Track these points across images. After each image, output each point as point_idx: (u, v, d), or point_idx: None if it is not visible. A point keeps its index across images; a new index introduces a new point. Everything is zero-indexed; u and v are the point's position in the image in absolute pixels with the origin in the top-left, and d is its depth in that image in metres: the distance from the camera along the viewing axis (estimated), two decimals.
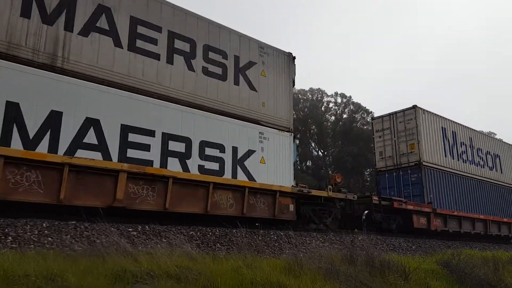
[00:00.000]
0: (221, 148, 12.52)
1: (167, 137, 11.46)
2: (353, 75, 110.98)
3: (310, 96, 57.97)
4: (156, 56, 11.77)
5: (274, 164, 13.67)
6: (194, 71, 12.40)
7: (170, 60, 11.99)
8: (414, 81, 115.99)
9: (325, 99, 57.37)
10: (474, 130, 23.37)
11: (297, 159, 14.41)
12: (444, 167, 20.26)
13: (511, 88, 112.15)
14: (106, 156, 10.43)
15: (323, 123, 54.97)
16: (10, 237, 7.42)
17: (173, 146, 11.55)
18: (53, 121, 9.64)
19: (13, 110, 9.13)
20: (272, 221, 13.57)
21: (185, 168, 11.68)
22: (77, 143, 10.07)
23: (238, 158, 12.85)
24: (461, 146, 21.86)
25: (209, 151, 12.24)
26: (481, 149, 23.31)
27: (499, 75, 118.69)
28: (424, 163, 19.13)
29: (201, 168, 11.98)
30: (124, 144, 10.75)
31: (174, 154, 11.55)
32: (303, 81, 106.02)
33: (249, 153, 13.12)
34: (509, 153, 26.02)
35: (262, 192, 13.05)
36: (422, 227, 17.73)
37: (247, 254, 8.18)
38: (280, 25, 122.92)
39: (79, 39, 10.59)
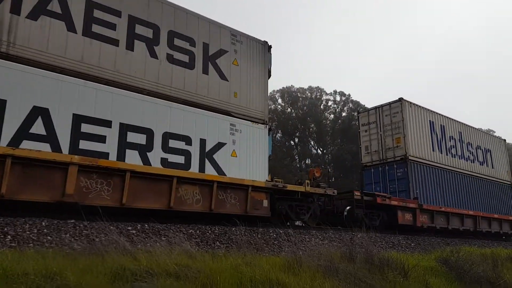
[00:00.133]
0: (187, 140, 11.46)
1: (125, 128, 10.42)
2: (353, 74, 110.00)
3: (309, 94, 57.01)
4: (115, 42, 10.73)
5: (247, 158, 12.61)
6: (158, 59, 11.36)
7: (130, 47, 10.95)
8: (414, 81, 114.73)
9: (324, 97, 56.39)
10: (464, 124, 22.17)
11: (272, 153, 13.33)
12: (432, 161, 19.10)
13: (510, 88, 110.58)
14: (56, 147, 9.42)
15: (322, 121, 54.07)
16: (9, 236, 7.24)
17: (132, 137, 10.51)
18: None
19: None
20: (244, 217, 12.47)
21: (146, 161, 10.63)
22: (23, 133, 9.06)
23: (207, 151, 11.79)
24: (450, 140, 20.68)
25: (173, 144, 11.18)
26: (471, 144, 22.11)
27: (499, 75, 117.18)
28: (410, 158, 17.98)
29: (164, 161, 10.93)
30: (76, 135, 9.73)
31: (133, 146, 10.51)
32: (301, 79, 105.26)
33: (219, 145, 12.05)
34: (500, 148, 24.80)
35: (233, 187, 11.98)
36: (408, 223, 16.60)
37: (247, 252, 8.02)
38: (281, 25, 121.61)
39: (27, 23, 9.57)
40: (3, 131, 8.81)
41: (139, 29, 11.16)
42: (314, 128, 54.26)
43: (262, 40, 13.88)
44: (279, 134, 57.21)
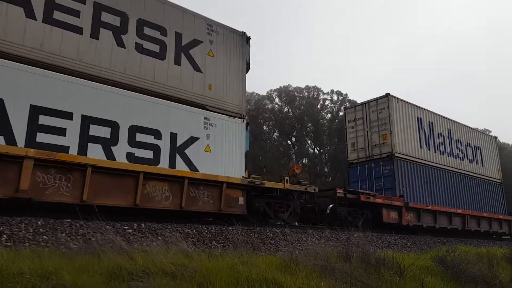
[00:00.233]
0: (157, 134, 10.75)
1: (88, 121, 9.68)
2: (352, 75, 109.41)
3: (306, 93, 56.50)
4: (78, 30, 9.99)
5: (222, 153, 11.90)
6: (125, 48, 10.63)
7: (95, 35, 10.21)
8: (414, 81, 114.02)
9: (321, 96, 55.86)
10: (453, 121, 21.45)
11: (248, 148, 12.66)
12: (419, 159, 18.40)
13: (510, 88, 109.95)
14: (10, 140, 8.73)
15: (319, 120, 53.59)
16: (5, 235, 7.09)
17: (95, 130, 9.80)
18: None
19: None
20: (218, 215, 11.78)
21: (110, 155, 9.93)
22: None
23: (178, 145, 11.08)
24: (439, 137, 19.96)
25: (141, 137, 10.47)
26: (460, 141, 21.40)
27: (499, 75, 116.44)
28: (396, 155, 17.29)
29: (130, 156, 10.22)
30: (34, 128, 9.00)
31: (97, 139, 9.80)
32: (299, 79, 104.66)
33: (192, 140, 11.34)
34: (490, 146, 24.09)
35: (206, 184, 11.29)
36: (393, 221, 15.92)
37: (243, 252, 7.96)
38: (280, 25, 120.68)
39: None
40: None
41: (106, 17, 10.43)
42: (311, 128, 53.82)
43: (240, 31, 13.12)
44: (276, 134, 56.77)
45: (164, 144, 10.80)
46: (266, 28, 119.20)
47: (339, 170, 48.18)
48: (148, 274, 5.63)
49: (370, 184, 17.78)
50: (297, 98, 55.62)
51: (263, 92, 58.15)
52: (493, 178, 23.38)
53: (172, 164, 10.87)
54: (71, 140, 9.40)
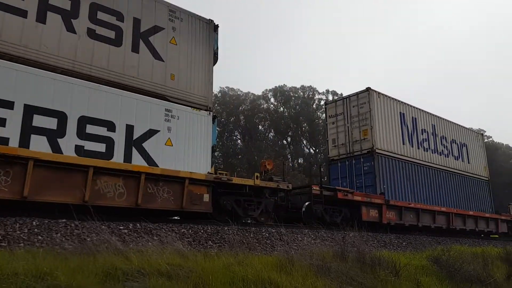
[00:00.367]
0: (110, 126, 9.88)
1: (31, 110, 8.77)
2: (351, 75, 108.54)
3: (301, 93, 55.99)
4: (22, 13, 9.13)
5: (185, 147, 11.03)
6: (76, 33, 9.73)
7: (41, 19, 9.33)
8: (414, 80, 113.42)
9: (317, 96, 55.40)
10: (438, 116, 20.64)
11: (215, 142, 11.79)
12: (402, 155, 17.58)
13: (506, 89, 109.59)
14: None
15: (314, 120, 53.06)
16: None
17: (40, 121, 8.92)
18: None
19: None
20: (180, 213, 10.88)
21: (56, 148, 9.04)
22: None
23: (135, 138, 10.21)
24: (422, 134, 19.15)
25: (92, 129, 9.60)
26: (445, 137, 20.58)
27: (499, 75, 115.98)
28: (377, 151, 16.46)
29: (79, 150, 9.35)
30: None
31: (41, 131, 8.94)
32: (293, 79, 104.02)
33: (150, 133, 10.46)
34: (477, 142, 23.30)
35: (166, 180, 10.43)
36: (373, 220, 15.09)
37: (239, 252, 7.81)
38: (279, 24, 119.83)
39: None
40: None
41: (54, 0, 9.50)
42: (306, 128, 53.48)
43: (208, 18, 12.24)
44: (271, 133, 56.17)
45: (119, 137, 9.93)
46: (261, 27, 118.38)
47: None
48: (144, 274, 5.53)
49: (350, 182, 16.94)
50: (293, 98, 55.31)
51: (258, 92, 57.60)
52: (480, 175, 22.59)
53: (127, 158, 9.99)
54: (12, 131, 8.52)
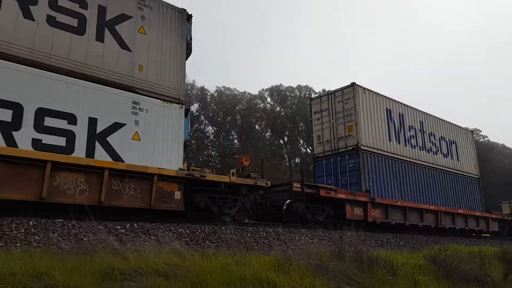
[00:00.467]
0: (71, 118, 9.24)
1: None
2: (351, 74, 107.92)
3: (298, 93, 55.60)
4: None
5: (155, 142, 10.42)
6: (34, 20, 9.07)
7: None
8: (414, 81, 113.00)
9: (313, 96, 54.56)
10: (426, 113, 20.08)
11: (190, 137, 11.20)
12: (388, 152, 17.00)
13: (509, 88, 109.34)
14: None
15: (311, 120, 52.16)
16: None
17: None
18: None
19: None
20: (149, 211, 10.20)
21: (11, 142, 8.38)
22: None
23: (98, 132, 9.57)
24: (410, 130, 18.56)
25: (51, 122, 8.97)
26: (433, 134, 20.00)
27: (499, 75, 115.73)
28: (362, 147, 15.87)
29: (36, 143, 8.73)
30: None
31: None
32: (291, 78, 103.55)
33: (116, 126, 9.84)
34: (467, 140, 22.73)
35: (133, 176, 9.75)
36: (357, 218, 14.47)
37: (236, 251, 7.81)
38: (278, 23, 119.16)
39: None
40: None
41: None
42: (303, 127, 52.99)
43: (180, 7, 11.61)
44: (268, 133, 55.76)
45: (80, 130, 9.29)
46: (257, 27, 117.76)
47: None
48: (141, 274, 5.48)
49: (335, 179, 16.34)
50: (289, 97, 55.06)
51: (254, 91, 57.21)
52: (470, 173, 22.02)
53: (90, 153, 9.35)
54: None
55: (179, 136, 10.83)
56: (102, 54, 9.94)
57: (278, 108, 55.95)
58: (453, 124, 21.89)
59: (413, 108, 19.14)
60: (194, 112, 52.59)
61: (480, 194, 22.10)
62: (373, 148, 16.33)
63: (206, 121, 54.85)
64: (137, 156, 10.01)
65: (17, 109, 8.52)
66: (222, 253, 7.37)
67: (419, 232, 16.54)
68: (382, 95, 17.56)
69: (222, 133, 55.20)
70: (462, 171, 21.33)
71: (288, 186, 13.33)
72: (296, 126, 53.16)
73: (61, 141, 8.98)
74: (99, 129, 9.54)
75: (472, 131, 23.60)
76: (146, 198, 9.92)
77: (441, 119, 21.03)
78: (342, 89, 16.85)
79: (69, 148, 9.07)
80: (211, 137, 54.29)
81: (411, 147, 18.25)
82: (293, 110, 53.29)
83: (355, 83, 16.48)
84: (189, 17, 11.81)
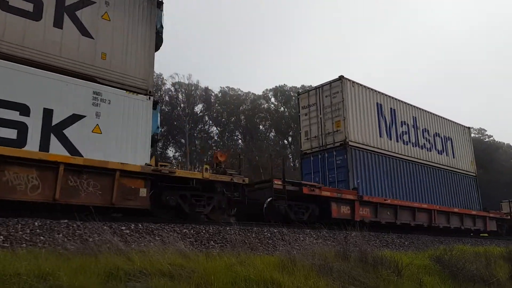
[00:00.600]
0: (23, 109, 8.48)
1: None
2: (351, 74, 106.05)
3: None
4: None
5: (118, 135, 9.61)
6: None
7: None
8: (414, 81, 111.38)
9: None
10: (420, 108, 19.07)
11: (160, 131, 10.34)
12: (378, 148, 16.03)
13: (510, 88, 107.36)
14: None
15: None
16: (1, 236, 6.81)
17: None
18: None
19: None
20: (111, 210, 9.34)
21: None
22: None
23: (54, 124, 8.81)
24: (402, 126, 17.56)
25: (0, 113, 8.05)
26: (427, 130, 18.96)
27: (499, 75, 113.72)
28: (350, 143, 14.91)
29: None
30: None
31: None
32: (295, 78, 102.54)
33: (74, 118, 9.04)
34: (463, 136, 21.64)
35: (92, 171, 8.89)
36: (344, 217, 13.57)
37: (241, 251, 7.71)
38: (280, 24, 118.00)
39: None
40: None
41: None
42: None
43: None
44: (272, 133, 55.01)
45: (34, 122, 8.52)
46: (260, 28, 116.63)
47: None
48: (146, 275, 5.47)
49: (323, 176, 15.41)
50: (293, 97, 54.28)
51: (258, 91, 56.46)
52: (466, 171, 20.93)
53: (44, 146, 8.57)
54: None
55: (146, 129, 9.99)
56: (61, 41, 9.14)
57: (282, 108, 55.23)
58: (448, 120, 20.81)
59: (405, 103, 18.12)
60: (198, 112, 51.95)
61: (477, 192, 21.00)
62: (362, 144, 15.36)
63: (210, 122, 54.34)
64: (98, 151, 9.19)
65: None
66: (227, 254, 7.29)
67: (425, 232, 15.81)
68: (372, 89, 16.58)
69: (226, 134, 54.61)
70: (458, 169, 20.26)
71: (269, 184, 12.40)
72: (299, 126, 52.29)
73: (11, 134, 8.20)
74: (55, 121, 8.75)
75: (469, 128, 22.43)
76: (107, 195, 9.09)
77: (436, 115, 19.96)
78: (330, 82, 15.89)
79: (21, 141, 8.28)
80: (215, 138, 53.70)
81: (403, 144, 17.23)
82: (297, 110, 52.33)
83: (343, 76, 15.51)
84: (159, 4, 11.00)
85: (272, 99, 55.71)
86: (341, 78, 15.51)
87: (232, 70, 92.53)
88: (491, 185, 49.45)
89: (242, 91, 55.97)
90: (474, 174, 21.39)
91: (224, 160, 11.35)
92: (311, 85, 53.69)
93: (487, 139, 64.94)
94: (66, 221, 7.84)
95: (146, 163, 9.76)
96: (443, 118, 20.45)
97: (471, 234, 19.78)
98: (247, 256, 7.30)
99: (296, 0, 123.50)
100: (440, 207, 17.42)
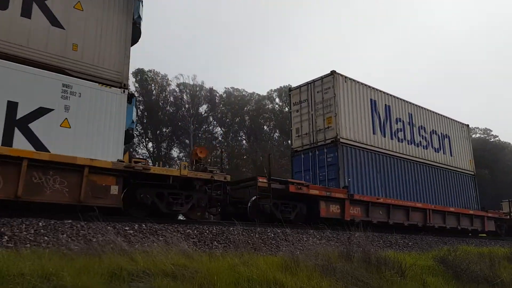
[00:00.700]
0: None
1: None
2: (351, 74, 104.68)
3: None
4: None
5: (89, 130, 9.04)
6: None
7: None
8: (414, 81, 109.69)
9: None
10: (416, 105, 18.24)
11: (135, 125, 9.73)
12: (372, 146, 15.25)
13: (510, 88, 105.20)
14: None
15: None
16: (6, 237, 6.70)
17: None
18: None
19: None
20: (80, 208, 8.70)
21: None
22: None
23: (18, 118, 8.26)
24: (397, 123, 16.73)
25: None
26: (424, 128, 18.09)
27: (499, 75, 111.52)
28: (342, 140, 14.13)
29: None
30: None
31: None
32: (299, 79, 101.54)
33: (41, 112, 8.49)
34: (461, 134, 20.71)
35: (59, 168, 8.27)
36: (334, 216, 12.86)
37: (244, 252, 7.64)
38: (284, 24, 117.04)
39: None
40: None
41: None
42: None
43: None
44: (276, 134, 54.33)
45: None
46: (263, 28, 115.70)
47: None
48: (149, 275, 5.43)
49: (313, 175, 14.66)
50: None
51: (263, 92, 55.76)
52: (464, 169, 20.02)
53: (7, 140, 8.05)
54: None
55: (119, 123, 9.39)
56: (29, 31, 8.56)
57: (286, 109, 54.33)
58: (446, 117, 19.90)
59: (401, 99, 17.30)
60: (202, 113, 51.42)
61: (475, 192, 20.08)
62: (354, 141, 14.59)
63: (215, 122, 53.78)
64: (66, 146, 8.62)
65: None
66: (230, 254, 7.24)
67: (429, 233, 15.19)
68: (365, 85, 15.79)
69: (231, 134, 53.98)
70: (455, 167, 19.38)
71: (253, 182, 11.68)
72: None
73: None
74: (20, 114, 8.20)
75: (467, 125, 21.45)
76: (75, 192, 8.48)
77: (433, 112, 19.08)
78: (321, 78, 15.12)
79: None
80: (220, 138, 53.14)
81: (398, 141, 16.41)
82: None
83: (335, 71, 14.74)
84: None
85: (277, 100, 54.97)
86: (332, 73, 14.72)
87: (236, 71, 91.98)
88: (497, 185, 48.45)
89: (246, 92, 55.36)
90: (472, 173, 20.46)
91: (204, 157, 10.66)
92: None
93: (492, 140, 63.78)
94: (70, 221, 7.71)
95: (118, 159, 9.13)
96: (441, 115, 19.55)
97: (470, 234, 18.90)
98: (250, 256, 7.21)
99: (296, 0, 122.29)
100: (436, 207, 16.58)
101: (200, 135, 51.67)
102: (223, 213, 12.13)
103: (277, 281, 6.09)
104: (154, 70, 48.67)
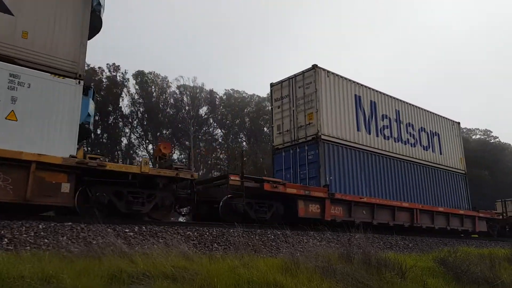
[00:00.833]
0: None
1: None
2: (351, 74, 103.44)
3: None
4: None
5: (38, 123, 8.21)
6: None
7: None
8: (414, 81, 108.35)
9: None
10: (404, 101, 17.29)
11: (92, 119, 8.87)
12: (356, 143, 14.32)
13: (510, 88, 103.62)
14: None
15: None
16: (6, 239, 6.55)
17: None
18: None
19: None
20: (26, 207, 7.85)
21: None
22: None
23: None
24: (383, 120, 15.77)
25: None
26: (412, 125, 17.11)
27: (499, 75, 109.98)
28: (323, 137, 13.20)
29: None
30: None
31: None
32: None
33: None
34: (452, 132, 19.69)
35: (2, 163, 7.50)
36: (313, 216, 11.97)
37: (244, 254, 7.46)
38: (283, 25, 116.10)
39: None
40: None
41: None
42: None
43: None
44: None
45: None
46: (263, 29, 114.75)
47: None
48: (149, 277, 5.34)
49: (295, 173, 13.76)
50: None
51: (263, 93, 55.07)
52: (454, 168, 19.02)
53: None
54: None
55: (73, 117, 8.56)
56: None
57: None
58: (436, 114, 18.89)
59: (387, 95, 16.35)
60: (202, 115, 50.62)
61: (466, 191, 19.06)
62: (336, 138, 13.67)
63: (215, 124, 53.04)
64: (12, 140, 7.80)
65: None
66: (230, 256, 7.17)
67: (429, 234, 14.59)
68: (349, 80, 14.87)
69: (231, 136, 53.22)
70: (445, 166, 18.38)
71: (225, 180, 10.77)
72: None
73: None
74: None
75: (458, 123, 20.40)
76: (20, 190, 7.65)
77: (422, 109, 18.09)
78: (303, 72, 14.22)
79: None
80: (220, 140, 52.37)
81: (384, 138, 15.46)
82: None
83: (316, 65, 13.84)
84: None
85: None
86: (314, 67, 13.81)
87: (236, 71, 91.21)
88: (497, 186, 47.44)
89: (246, 94, 54.70)
90: (463, 172, 19.44)
91: (168, 153, 9.78)
92: None
93: (492, 141, 62.70)
94: (70, 223, 7.54)
95: (70, 155, 8.27)
96: (430, 112, 18.56)
97: (462, 235, 17.86)
98: (250, 258, 7.12)
99: (297, 0, 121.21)
100: (423, 206, 15.61)
101: (200, 137, 50.93)
102: (195, 213, 11.26)
103: (277, 283, 6.02)
104: (154, 72, 48.12)
